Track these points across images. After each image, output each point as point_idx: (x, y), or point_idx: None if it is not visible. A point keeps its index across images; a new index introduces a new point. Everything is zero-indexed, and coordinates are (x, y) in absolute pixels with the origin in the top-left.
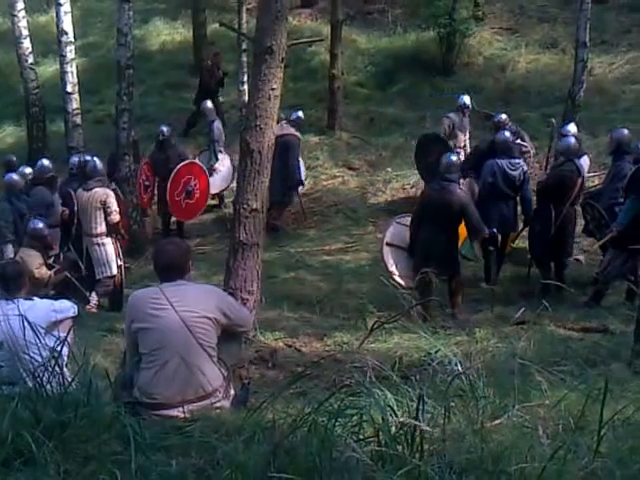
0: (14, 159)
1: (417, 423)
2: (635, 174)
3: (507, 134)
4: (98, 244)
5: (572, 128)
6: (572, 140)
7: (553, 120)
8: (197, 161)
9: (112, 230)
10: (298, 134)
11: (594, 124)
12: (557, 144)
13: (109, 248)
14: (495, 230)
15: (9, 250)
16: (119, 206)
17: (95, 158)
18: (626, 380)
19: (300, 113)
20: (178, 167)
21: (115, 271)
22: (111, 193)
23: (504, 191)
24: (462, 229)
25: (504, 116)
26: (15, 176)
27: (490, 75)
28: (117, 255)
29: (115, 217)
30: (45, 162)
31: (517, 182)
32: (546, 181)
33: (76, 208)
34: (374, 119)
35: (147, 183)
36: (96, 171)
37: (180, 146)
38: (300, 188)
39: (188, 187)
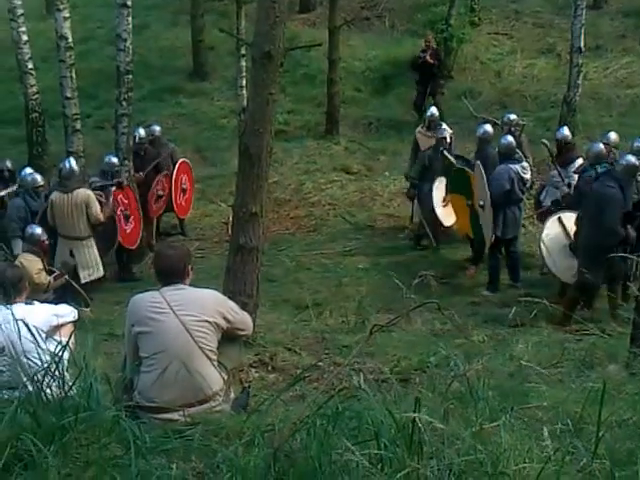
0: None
1: (416, 423)
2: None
3: (509, 138)
4: (86, 247)
5: (566, 131)
6: (601, 146)
7: (546, 142)
8: (184, 159)
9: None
10: None
11: (589, 128)
12: (587, 150)
13: (95, 250)
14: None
15: (19, 246)
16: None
17: (71, 159)
18: (623, 382)
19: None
20: (176, 173)
21: (102, 272)
22: (91, 192)
23: (519, 196)
24: (462, 211)
25: (513, 116)
26: (36, 175)
27: (486, 80)
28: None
29: (99, 217)
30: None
31: (528, 185)
32: (576, 187)
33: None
34: (372, 124)
35: (161, 193)
36: (73, 173)
37: (171, 145)
38: None
39: (183, 185)
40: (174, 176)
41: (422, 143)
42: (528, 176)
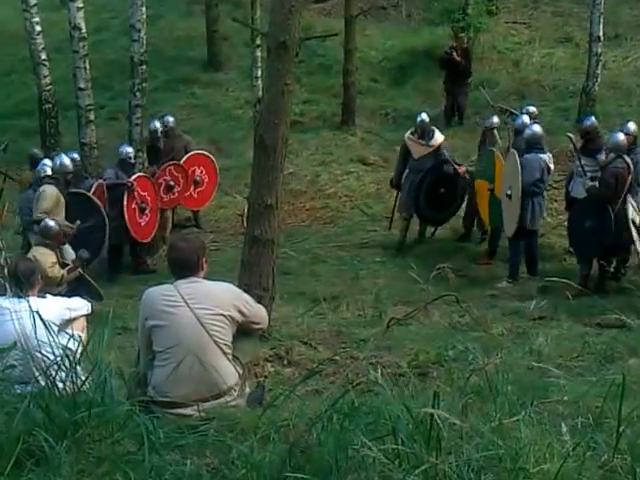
0: (37, 151)
1: (434, 418)
2: None
3: (536, 127)
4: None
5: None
6: (621, 136)
7: (571, 135)
8: (200, 151)
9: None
10: None
11: (608, 118)
12: (607, 141)
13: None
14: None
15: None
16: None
17: (46, 160)
18: None
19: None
20: (185, 164)
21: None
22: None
23: (546, 186)
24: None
25: (532, 108)
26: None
27: (504, 69)
28: None
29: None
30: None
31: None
32: (602, 179)
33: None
34: (389, 114)
35: (172, 183)
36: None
37: (186, 136)
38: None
39: (196, 178)
40: (184, 166)
41: (415, 150)
42: (552, 166)
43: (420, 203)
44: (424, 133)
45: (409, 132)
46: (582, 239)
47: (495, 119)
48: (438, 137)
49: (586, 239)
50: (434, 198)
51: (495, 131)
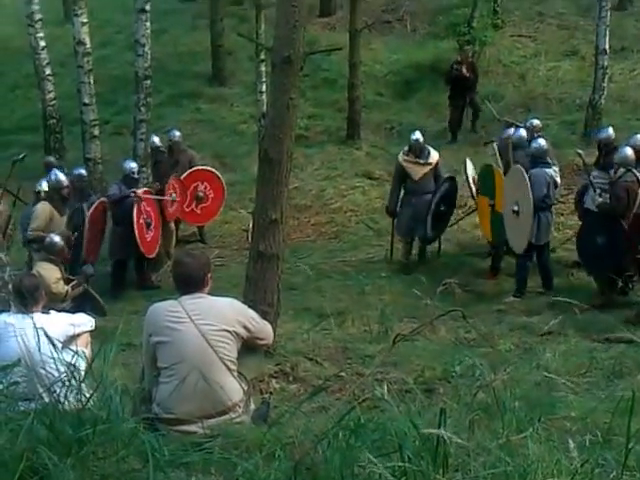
0: (53, 160)
1: (441, 436)
2: None
3: (541, 141)
4: None
5: (611, 132)
6: (629, 150)
7: (580, 152)
8: (203, 167)
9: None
10: None
11: (615, 131)
12: (615, 156)
13: None
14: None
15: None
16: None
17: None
18: None
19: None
20: (187, 179)
21: None
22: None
23: (553, 200)
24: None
25: (536, 121)
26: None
27: (510, 83)
28: None
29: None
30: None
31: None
32: (613, 193)
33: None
34: (394, 128)
35: (174, 196)
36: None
37: (191, 151)
38: None
39: (198, 193)
40: (184, 181)
41: (414, 172)
42: (559, 180)
43: (428, 226)
44: (421, 152)
45: (402, 154)
46: (594, 255)
47: (510, 131)
48: (434, 154)
49: (598, 254)
50: (436, 217)
51: (495, 145)
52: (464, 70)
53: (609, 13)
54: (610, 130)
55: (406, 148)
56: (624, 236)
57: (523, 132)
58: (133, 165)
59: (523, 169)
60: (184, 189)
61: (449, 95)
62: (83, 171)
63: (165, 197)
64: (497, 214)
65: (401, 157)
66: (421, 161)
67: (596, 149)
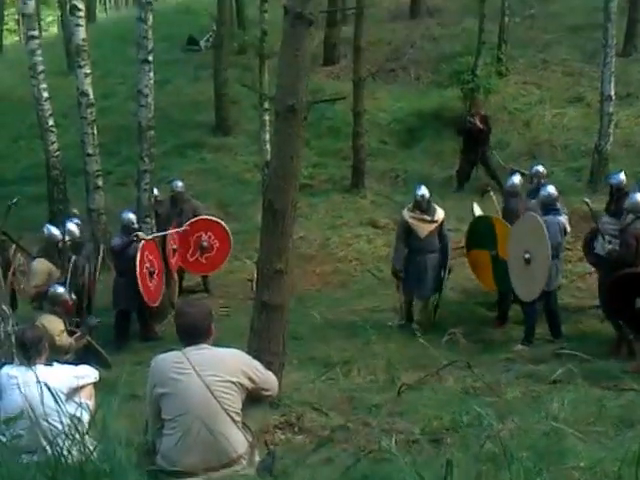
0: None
1: None
2: None
3: (551, 189)
4: None
5: (622, 177)
6: (639, 196)
7: (588, 200)
8: (207, 217)
9: None
10: None
11: None
12: (626, 202)
13: None
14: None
15: None
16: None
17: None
18: None
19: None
20: (189, 229)
21: None
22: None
23: (563, 248)
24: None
25: (541, 168)
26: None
27: (515, 130)
28: None
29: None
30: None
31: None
32: (622, 240)
33: None
34: (399, 176)
35: (175, 247)
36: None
37: (195, 201)
38: None
39: (202, 243)
40: (186, 231)
41: (421, 229)
42: (569, 227)
43: (428, 285)
44: (428, 208)
45: (407, 210)
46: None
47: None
48: (440, 212)
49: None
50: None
51: (492, 194)
52: (478, 122)
53: (614, 59)
54: (622, 175)
55: (410, 204)
56: None
57: (516, 179)
58: (131, 216)
59: (539, 216)
60: (185, 238)
61: (462, 149)
62: (77, 220)
63: (169, 231)
64: (501, 262)
65: (406, 214)
66: (428, 218)
67: (602, 195)
